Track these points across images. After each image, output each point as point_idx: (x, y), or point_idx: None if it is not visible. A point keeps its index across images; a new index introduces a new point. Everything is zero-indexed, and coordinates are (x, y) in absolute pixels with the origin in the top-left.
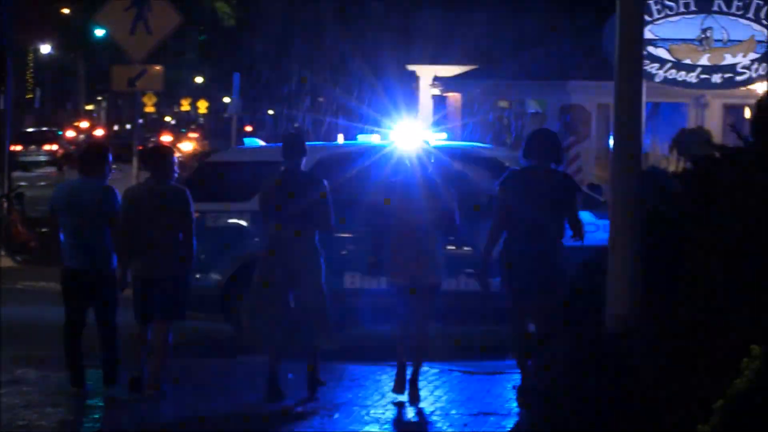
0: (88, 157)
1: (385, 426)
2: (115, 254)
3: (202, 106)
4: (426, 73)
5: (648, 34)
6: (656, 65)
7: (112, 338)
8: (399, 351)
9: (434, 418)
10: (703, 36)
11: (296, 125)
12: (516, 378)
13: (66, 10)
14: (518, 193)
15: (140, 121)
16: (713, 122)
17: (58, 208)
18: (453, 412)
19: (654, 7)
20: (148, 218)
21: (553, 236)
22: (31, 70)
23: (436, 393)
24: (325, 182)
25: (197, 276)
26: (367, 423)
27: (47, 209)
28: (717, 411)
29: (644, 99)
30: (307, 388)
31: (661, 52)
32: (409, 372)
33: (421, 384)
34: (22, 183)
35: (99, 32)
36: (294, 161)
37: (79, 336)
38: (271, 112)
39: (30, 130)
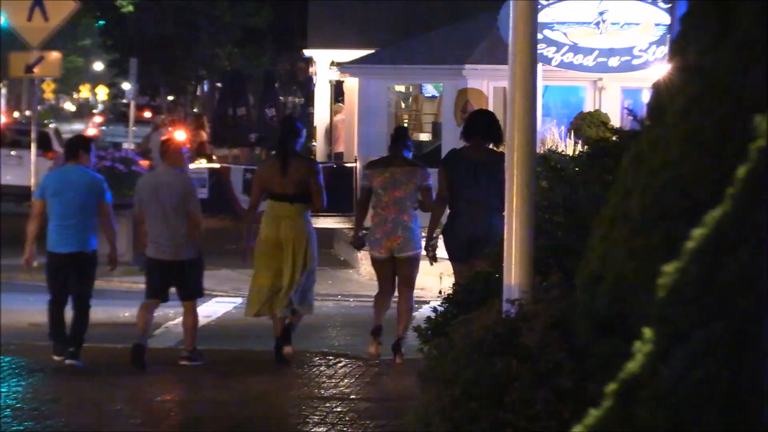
0: (74, 145)
1: None
2: (94, 237)
3: (102, 91)
4: (324, 57)
5: (544, 17)
6: (553, 49)
7: (86, 315)
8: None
9: None
10: (599, 19)
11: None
12: None
13: None
14: (459, 170)
15: (38, 107)
16: (611, 105)
17: (47, 194)
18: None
19: None
20: (162, 205)
21: (492, 211)
22: None
23: None
24: (318, 163)
25: None
26: None
27: (34, 196)
28: (609, 395)
29: (540, 82)
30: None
31: (558, 36)
32: None
33: None
34: None
35: None
36: (289, 143)
37: (62, 311)
38: (171, 98)
39: None
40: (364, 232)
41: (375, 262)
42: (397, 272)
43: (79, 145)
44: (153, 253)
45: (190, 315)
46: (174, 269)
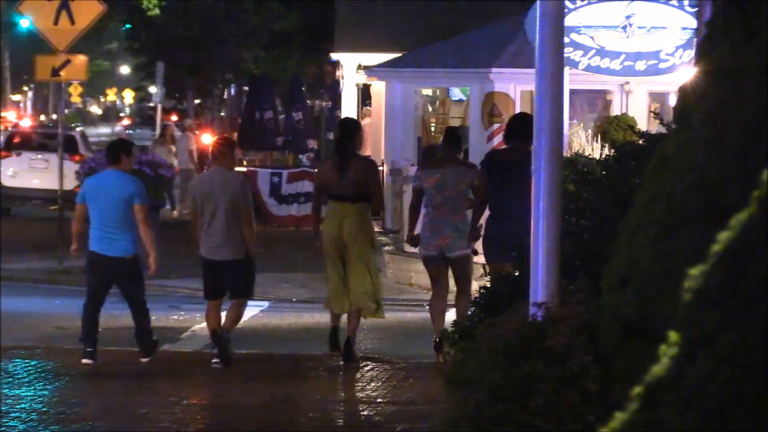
0: (115, 149)
1: None
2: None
3: (129, 95)
4: (351, 61)
5: (571, 21)
6: (580, 52)
7: (141, 313)
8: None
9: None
10: (626, 23)
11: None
12: None
13: None
14: (498, 172)
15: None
16: (637, 109)
17: (87, 199)
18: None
19: None
20: (216, 205)
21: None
22: None
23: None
24: (376, 163)
25: None
26: None
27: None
28: (635, 398)
29: (567, 86)
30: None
31: (585, 39)
32: None
33: None
34: None
35: (24, 23)
36: (347, 144)
37: (96, 315)
38: (197, 101)
39: None
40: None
41: (426, 262)
42: (452, 273)
43: (120, 148)
44: (206, 253)
45: (235, 310)
46: (226, 269)
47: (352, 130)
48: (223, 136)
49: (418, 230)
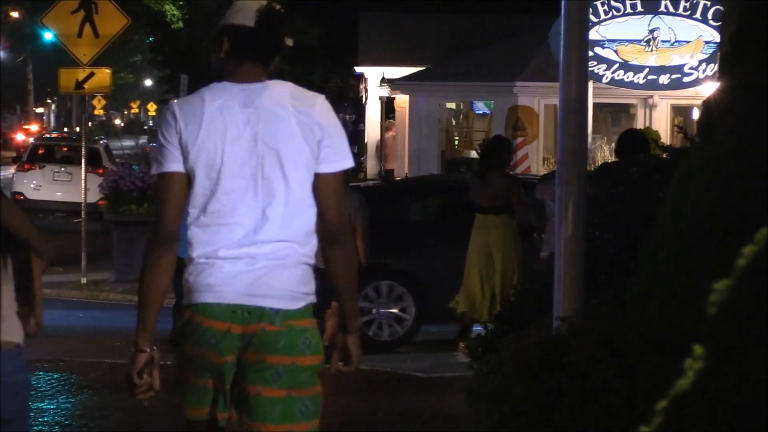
0: None
1: None
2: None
3: (152, 108)
4: (374, 74)
5: (595, 35)
6: (603, 66)
7: None
8: None
9: None
10: (650, 37)
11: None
12: None
13: (14, 13)
14: (608, 185)
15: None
16: (661, 123)
17: None
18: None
19: (601, 8)
20: None
21: None
22: None
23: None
24: (517, 177)
25: None
26: None
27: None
28: (659, 413)
29: (591, 100)
30: None
31: (609, 53)
32: None
33: None
34: None
35: (47, 35)
36: (492, 159)
37: None
38: None
39: None
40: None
41: None
42: None
43: None
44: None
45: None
46: None
47: (497, 146)
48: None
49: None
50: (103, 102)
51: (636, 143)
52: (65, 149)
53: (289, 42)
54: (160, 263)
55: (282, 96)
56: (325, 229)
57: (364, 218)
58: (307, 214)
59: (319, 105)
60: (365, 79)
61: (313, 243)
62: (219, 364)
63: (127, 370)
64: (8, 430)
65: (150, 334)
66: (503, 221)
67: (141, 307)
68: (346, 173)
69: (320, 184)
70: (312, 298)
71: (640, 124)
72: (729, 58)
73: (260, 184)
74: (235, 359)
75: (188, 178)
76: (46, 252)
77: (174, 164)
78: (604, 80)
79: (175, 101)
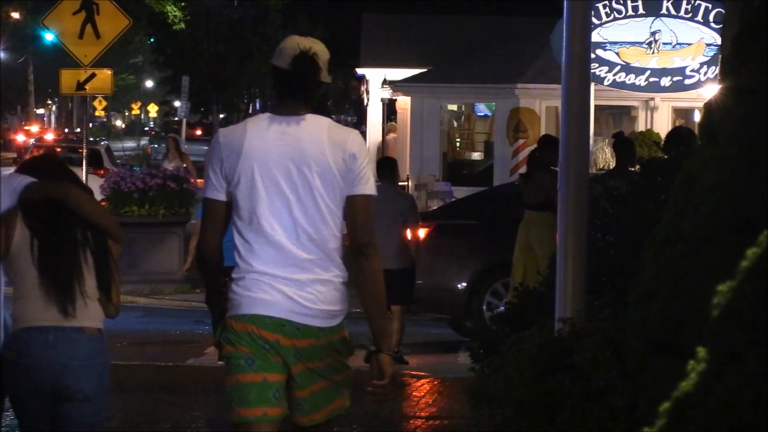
0: None
1: None
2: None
3: (153, 109)
4: (376, 76)
5: (596, 37)
6: (605, 68)
7: None
8: None
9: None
10: (651, 39)
11: None
12: None
13: (15, 14)
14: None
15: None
16: (662, 125)
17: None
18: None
19: (602, 10)
20: (384, 218)
21: None
22: None
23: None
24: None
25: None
26: None
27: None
28: (662, 414)
29: (592, 102)
30: None
31: (610, 56)
32: None
33: None
34: None
35: (48, 36)
36: (540, 157)
37: None
38: (222, 115)
39: None
40: None
41: None
42: None
43: None
44: None
45: (397, 317)
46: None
47: (544, 145)
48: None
49: None
50: (104, 103)
51: (682, 139)
52: (66, 150)
53: (328, 79)
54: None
55: (319, 128)
56: (353, 244)
57: (415, 219)
58: (339, 235)
59: (353, 138)
60: (367, 81)
61: (340, 262)
62: (271, 361)
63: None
64: (92, 407)
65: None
66: (545, 219)
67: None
68: (371, 197)
69: (350, 205)
70: (346, 311)
71: (641, 127)
72: (731, 60)
73: (295, 207)
74: (284, 363)
75: (230, 203)
76: (121, 238)
77: (215, 192)
78: (605, 82)
79: (221, 130)
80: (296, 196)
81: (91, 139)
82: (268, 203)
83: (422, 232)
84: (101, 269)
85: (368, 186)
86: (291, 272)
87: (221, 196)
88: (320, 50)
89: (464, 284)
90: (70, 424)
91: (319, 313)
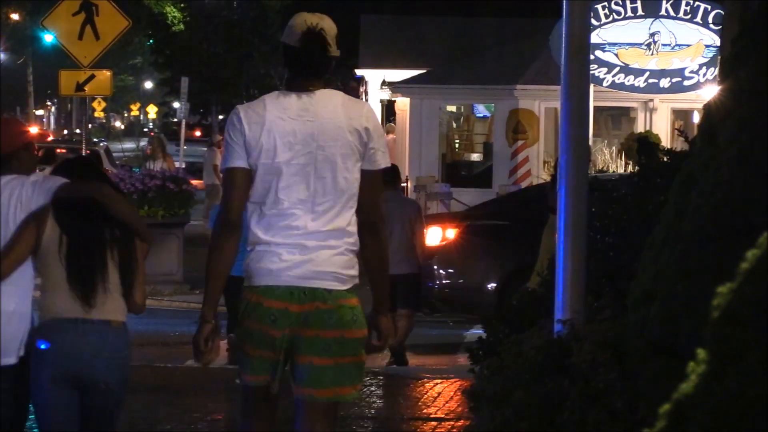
0: None
1: None
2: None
3: (152, 110)
4: (375, 77)
5: (596, 38)
6: (604, 69)
7: None
8: None
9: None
10: (650, 40)
11: None
12: None
13: (15, 15)
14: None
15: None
16: (661, 126)
17: None
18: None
19: (602, 12)
20: (391, 223)
21: None
22: None
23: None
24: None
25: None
26: None
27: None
28: (662, 416)
29: (592, 103)
30: None
31: (609, 57)
32: None
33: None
34: None
35: (48, 37)
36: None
37: None
38: (221, 117)
39: None
40: None
41: None
42: None
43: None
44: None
45: (404, 319)
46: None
47: None
48: None
49: None
50: (104, 104)
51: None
52: (65, 152)
53: (336, 53)
54: (225, 246)
55: (334, 103)
56: (365, 218)
57: (422, 224)
58: (353, 207)
59: (366, 111)
60: (366, 82)
61: (355, 233)
62: (275, 338)
63: (194, 338)
64: (113, 399)
65: (215, 306)
66: None
67: (208, 283)
68: (383, 171)
69: (364, 179)
70: (356, 281)
71: (640, 128)
72: (730, 61)
73: (313, 180)
74: (289, 334)
75: (250, 174)
76: (148, 236)
77: (238, 161)
78: (604, 83)
79: (240, 106)
80: (315, 170)
81: (93, 139)
82: (287, 176)
83: (453, 233)
84: (126, 266)
85: (383, 161)
86: (301, 239)
87: (244, 164)
88: (327, 26)
89: (494, 284)
90: (90, 414)
91: (326, 275)
